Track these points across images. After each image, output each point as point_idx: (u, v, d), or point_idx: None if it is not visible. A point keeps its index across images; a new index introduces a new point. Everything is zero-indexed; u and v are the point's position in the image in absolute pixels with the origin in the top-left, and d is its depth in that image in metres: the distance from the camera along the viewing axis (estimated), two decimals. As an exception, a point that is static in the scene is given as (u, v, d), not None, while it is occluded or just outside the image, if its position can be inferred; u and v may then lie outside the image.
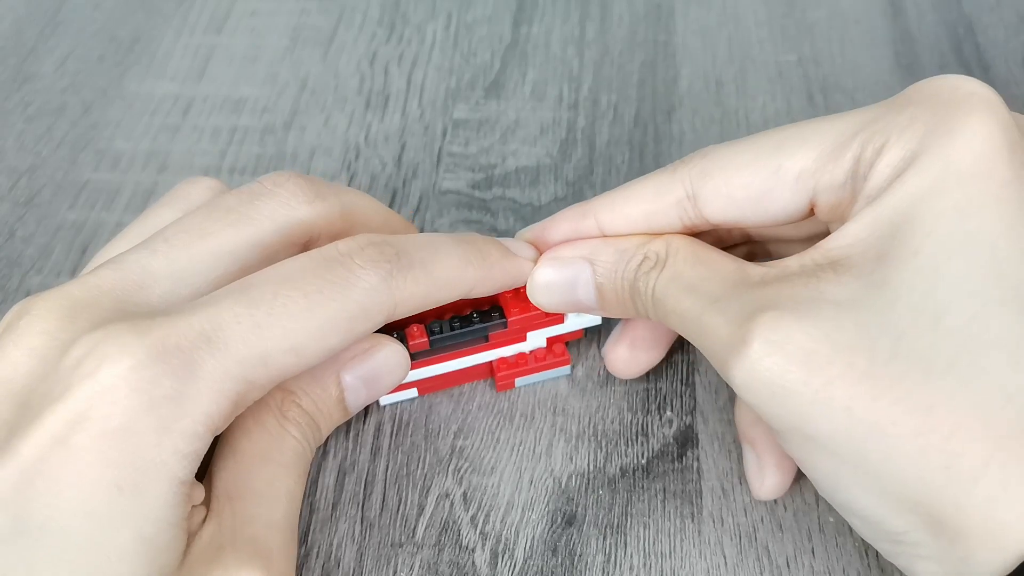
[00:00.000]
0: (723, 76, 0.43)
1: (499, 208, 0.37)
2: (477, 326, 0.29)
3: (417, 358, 0.29)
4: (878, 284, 0.21)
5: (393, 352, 0.27)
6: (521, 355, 0.31)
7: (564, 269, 0.27)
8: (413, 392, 0.31)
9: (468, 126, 0.41)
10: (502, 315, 0.29)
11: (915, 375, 0.20)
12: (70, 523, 0.20)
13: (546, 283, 0.27)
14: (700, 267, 0.24)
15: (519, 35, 0.45)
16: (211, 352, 0.21)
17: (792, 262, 0.23)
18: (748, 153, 0.25)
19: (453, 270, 0.26)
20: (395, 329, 0.30)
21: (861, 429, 0.20)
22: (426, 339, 0.28)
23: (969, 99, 0.22)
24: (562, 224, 0.28)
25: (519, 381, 0.31)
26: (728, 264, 0.24)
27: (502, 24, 0.46)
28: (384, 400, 0.31)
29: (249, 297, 0.22)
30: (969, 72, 0.42)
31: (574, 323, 0.30)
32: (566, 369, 0.31)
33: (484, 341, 0.30)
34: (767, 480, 0.27)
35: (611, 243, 0.27)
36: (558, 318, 0.30)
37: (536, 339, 0.30)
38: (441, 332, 0.29)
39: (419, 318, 0.30)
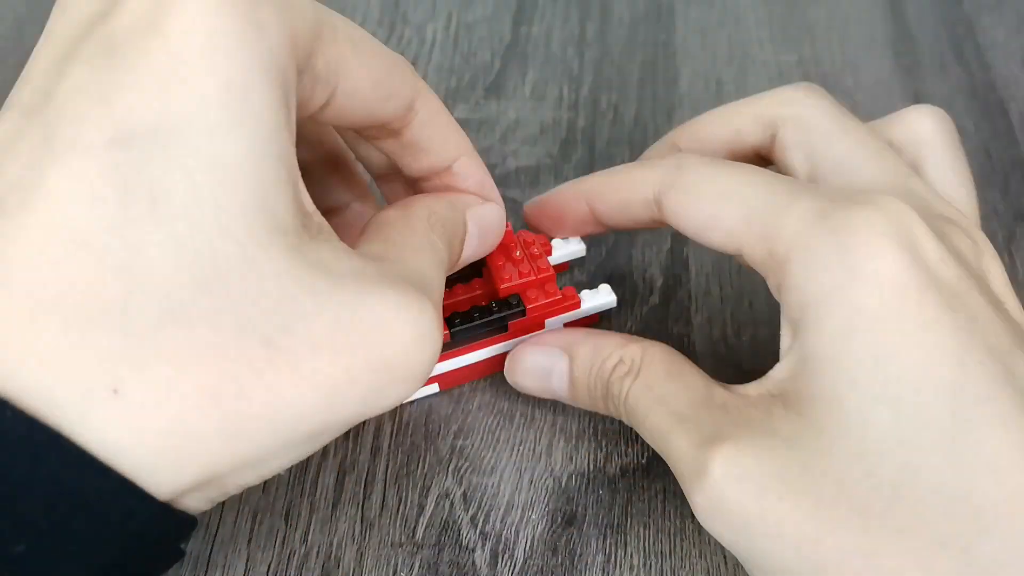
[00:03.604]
0: (723, 76, 0.43)
1: (499, 208, 0.37)
2: (497, 316, 0.29)
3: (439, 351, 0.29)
4: (816, 428, 0.22)
5: (499, 210, 0.28)
6: None
7: (543, 356, 0.28)
8: (434, 387, 0.31)
9: (468, 126, 0.41)
10: (520, 303, 0.29)
11: (855, 521, 0.21)
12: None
13: (525, 368, 0.29)
14: (671, 382, 0.25)
15: (519, 35, 0.45)
16: None
17: (751, 390, 0.24)
18: (708, 185, 0.25)
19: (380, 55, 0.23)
20: None
21: (808, 568, 0.21)
22: (447, 331, 0.29)
23: (871, 229, 0.22)
24: (556, 202, 0.30)
25: None
26: (697, 381, 0.25)
27: (502, 24, 0.46)
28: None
29: None
30: (969, 72, 0.42)
31: (590, 307, 0.31)
32: None
33: (504, 331, 0.30)
34: None
35: (590, 339, 0.28)
36: (576, 304, 0.30)
37: (554, 326, 0.31)
38: (462, 324, 0.29)
39: None
